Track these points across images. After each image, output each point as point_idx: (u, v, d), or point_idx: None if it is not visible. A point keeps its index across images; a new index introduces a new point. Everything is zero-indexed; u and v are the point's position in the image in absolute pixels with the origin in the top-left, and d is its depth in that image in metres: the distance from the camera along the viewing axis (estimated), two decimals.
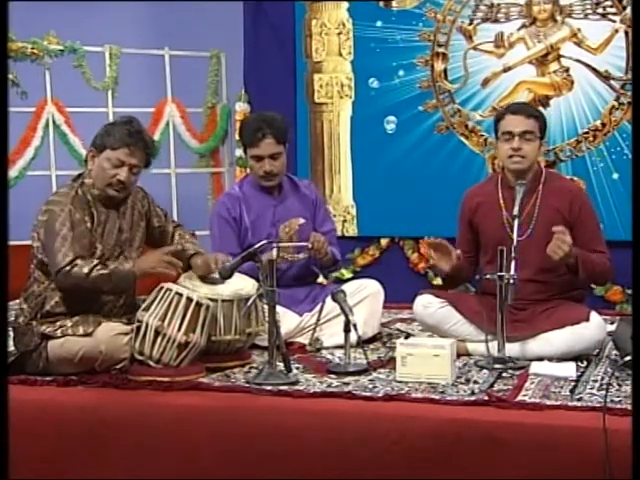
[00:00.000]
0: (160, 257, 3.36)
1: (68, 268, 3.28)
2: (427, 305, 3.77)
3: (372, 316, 4.03)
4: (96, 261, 3.34)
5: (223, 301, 3.44)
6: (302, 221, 3.95)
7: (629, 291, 5.06)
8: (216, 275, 3.52)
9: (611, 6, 5.10)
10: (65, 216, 3.35)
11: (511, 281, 3.41)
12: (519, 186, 3.63)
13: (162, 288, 3.35)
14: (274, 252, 3.51)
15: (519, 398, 3.01)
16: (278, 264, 3.55)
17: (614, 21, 5.10)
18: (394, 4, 5.47)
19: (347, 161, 5.66)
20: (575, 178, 5.08)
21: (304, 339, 3.92)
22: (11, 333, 3.49)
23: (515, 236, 3.49)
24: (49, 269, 3.37)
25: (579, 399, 3.00)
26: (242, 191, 4.16)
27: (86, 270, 3.28)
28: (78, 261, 3.30)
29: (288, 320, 3.90)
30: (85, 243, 3.37)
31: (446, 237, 3.83)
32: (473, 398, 3.02)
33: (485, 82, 5.36)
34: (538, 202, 3.74)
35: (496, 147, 3.86)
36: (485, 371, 3.41)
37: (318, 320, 3.81)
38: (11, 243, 3.74)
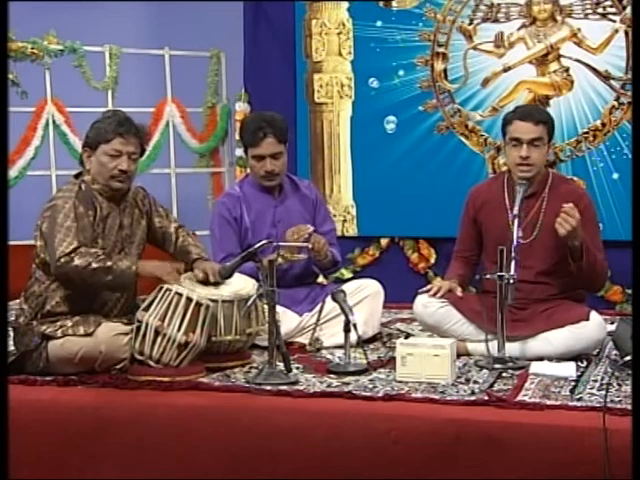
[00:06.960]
0: (168, 270, 3.38)
1: (72, 255, 3.27)
2: (427, 305, 3.76)
3: (372, 316, 4.02)
4: (100, 251, 3.34)
5: (223, 301, 3.44)
6: (311, 229, 3.93)
7: (629, 291, 5.06)
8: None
9: (611, 6, 5.10)
10: (69, 208, 3.35)
11: (511, 281, 3.41)
12: (519, 186, 3.63)
13: (162, 288, 3.35)
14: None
15: (519, 398, 3.01)
16: (278, 265, 3.55)
17: (614, 21, 5.09)
18: (394, 4, 5.46)
19: (347, 161, 5.66)
20: (575, 178, 5.08)
21: (304, 339, 3.92)
22: (11, 333, 3.49)
23: (515, 236, 3.49)
24: (49, 262, 3.35)
25: (579, 399, 3.00)
26: (242, 191, 4.15)
27: (89, 259, 3.27)
28: (81, 249, 3.30)
29: (288, 320, 3.90)
30: (87, 236, 3.37)
31: (446, 237, 3.82)
32: (473, 398, 3.02)
33: (485, 82, 5.36)
34: (543, 207, 3.73)
35: (503, 148, 3.83)
36: (485, 371, 3.41)
37: (318, 320, 3.81)
38: (11, 243, 3.75)
